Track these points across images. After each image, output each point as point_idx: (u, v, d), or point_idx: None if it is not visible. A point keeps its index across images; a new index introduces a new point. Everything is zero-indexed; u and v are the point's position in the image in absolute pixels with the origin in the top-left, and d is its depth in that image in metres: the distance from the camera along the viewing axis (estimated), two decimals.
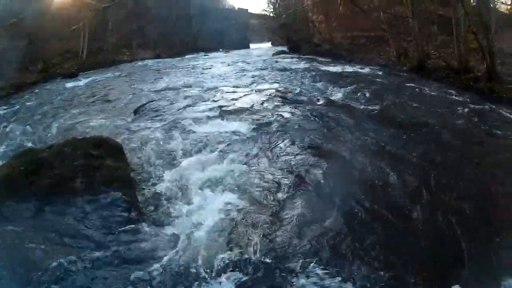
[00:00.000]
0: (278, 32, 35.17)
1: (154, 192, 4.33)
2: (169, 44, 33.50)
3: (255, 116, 7.42)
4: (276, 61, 19.85)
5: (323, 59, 19.83)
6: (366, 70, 15.10)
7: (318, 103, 8.79)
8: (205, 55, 27.82)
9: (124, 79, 14.49)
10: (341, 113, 7.63)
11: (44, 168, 4.14)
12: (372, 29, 20.37)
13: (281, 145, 5.80)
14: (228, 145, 5.83)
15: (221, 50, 37.94)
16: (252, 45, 50.11)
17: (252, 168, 4.95)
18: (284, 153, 5.48)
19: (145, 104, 9.16)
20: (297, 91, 10.00)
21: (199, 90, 10.65)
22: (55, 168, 4.16)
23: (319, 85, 11.14)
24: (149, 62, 24.35)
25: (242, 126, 6.73)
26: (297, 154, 5.39)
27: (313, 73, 13.97)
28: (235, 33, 45.83)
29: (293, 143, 5.82)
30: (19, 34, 17.27)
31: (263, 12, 37.36)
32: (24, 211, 3.56)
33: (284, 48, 37.73)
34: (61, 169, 4.13)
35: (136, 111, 8.53)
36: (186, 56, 28.16)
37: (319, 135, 6.26)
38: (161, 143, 6.04)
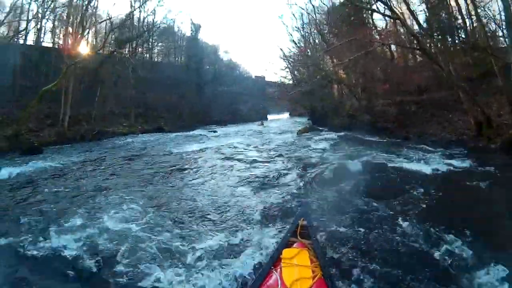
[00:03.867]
0: (299, 101, 31.15)
1: None
2: (176, 115, 29.88)
3: None
4: (305, 147, 13.57)
5: (366, 137, 14.97)
6: (440, 158, 9.66)
7: None
8: (213, 132, 22.79)
9: (76, 173, 8.95)
10: None
11: None
12: (424, 90, 16.10)
13: None
14: None
15: (258, 122, 34.23)
16: (270, 116, 47.06)
17: None
18: None
19: None
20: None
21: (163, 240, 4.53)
22: None
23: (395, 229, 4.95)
24: (145, 137, 19.93)
25: None
26: None
27: (366, 178, 7.46)
28: (251, 104, 42.88)
29: None
30: None
31: (280, 80, 33.36)
32: None
33: (305, 120, 33.69)
34: None
35: None
36: (192, 132, 23.07)
37: None
38: None
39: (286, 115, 52.33)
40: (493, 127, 11.02)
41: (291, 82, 31.34)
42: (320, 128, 20.14)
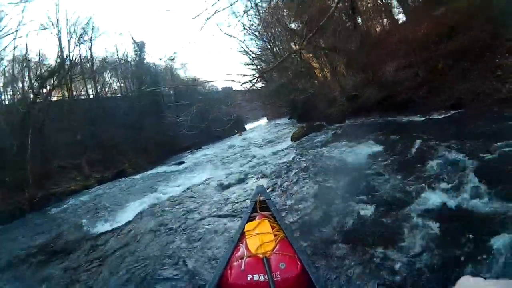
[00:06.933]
0: (275, 101, 26.40)
1: None
2: (140, 151, 24.60)
3: None
4: (330, 167, 7.52)
5: (401, 119, 10.26)
6: None
7: None
8: (179, 165, 17.78)
9: None
10: None
11: None
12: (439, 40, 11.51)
13: None
14: None
15: (236, 132, 32.87)
16: (247, 126, 42.68)
17: None
18: None
19: None
20: None
21: None
22: None
23: None
24: (99, 191, 15.04)
25: None
26: None
27: None
28: (223, 117, 38.36)
29: None
30: None
31: (250, 80, 28.49)
32: None
33: (287, 120, 29.25)
34: None
35: None
36: (156, 171, 17.85)
37: None
38: None
39: (263, 120, 48.08)
40: None
41: (260, 85, 26.69)
42: (318, 123, 15.14)
